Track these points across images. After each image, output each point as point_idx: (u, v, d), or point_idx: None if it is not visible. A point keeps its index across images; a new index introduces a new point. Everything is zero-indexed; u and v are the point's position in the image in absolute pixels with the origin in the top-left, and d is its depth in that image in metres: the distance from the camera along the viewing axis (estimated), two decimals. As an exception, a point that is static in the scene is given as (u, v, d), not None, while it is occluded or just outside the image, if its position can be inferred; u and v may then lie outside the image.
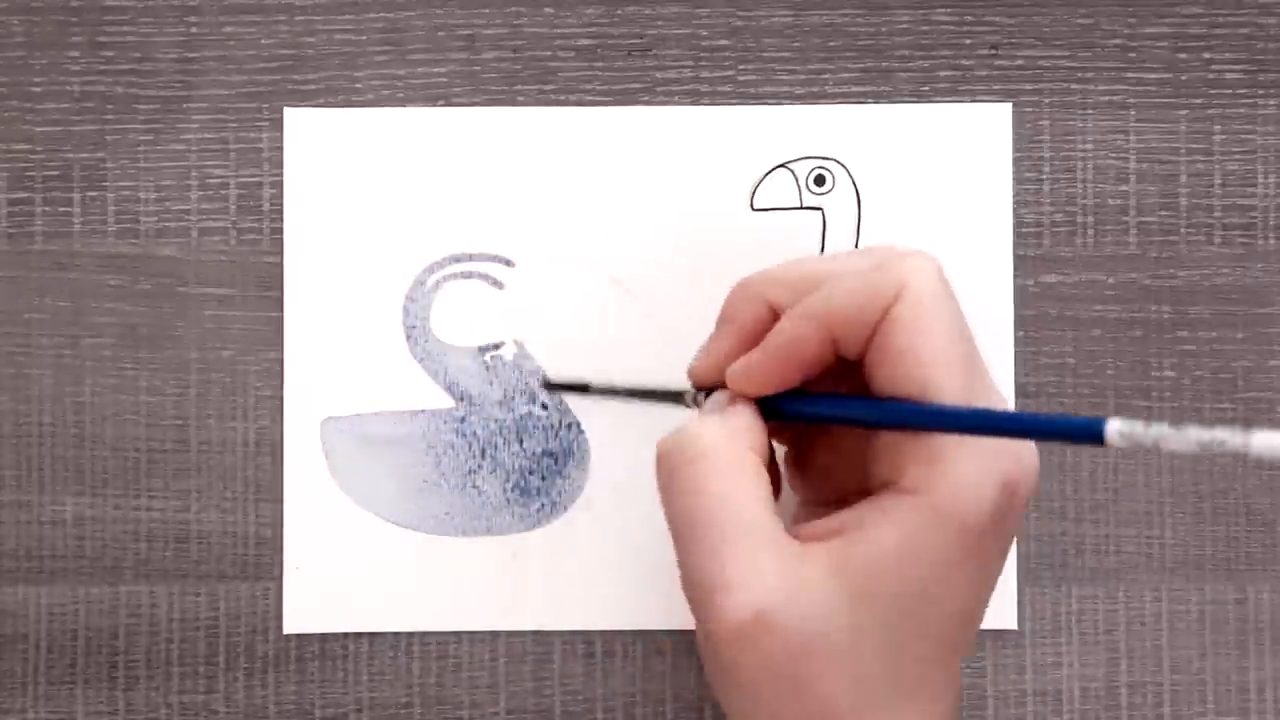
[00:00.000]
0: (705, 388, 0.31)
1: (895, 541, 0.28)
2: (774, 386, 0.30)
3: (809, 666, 0.28)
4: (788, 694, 0.28)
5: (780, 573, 0.28)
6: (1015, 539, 0.37)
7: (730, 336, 0.31)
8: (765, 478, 0.29)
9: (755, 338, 0.30)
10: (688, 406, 0.32)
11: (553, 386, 0.37)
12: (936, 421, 0.28)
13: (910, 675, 0.28)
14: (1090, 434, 0.26)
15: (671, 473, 0.29)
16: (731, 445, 0.29)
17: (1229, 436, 0.25)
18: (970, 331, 0.29)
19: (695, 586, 0.29)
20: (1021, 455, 0.29)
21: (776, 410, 0.30)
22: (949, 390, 0.28)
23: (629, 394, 0.33)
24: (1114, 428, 0.26)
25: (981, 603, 0.30)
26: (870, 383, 0.29)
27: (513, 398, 0.38)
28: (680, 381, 0.32)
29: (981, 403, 0.28)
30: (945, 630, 0.29)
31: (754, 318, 0.31)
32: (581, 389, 0.34)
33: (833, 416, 0.30)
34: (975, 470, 0.28)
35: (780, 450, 0.33)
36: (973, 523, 0.28)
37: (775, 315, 0.30)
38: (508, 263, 0.38)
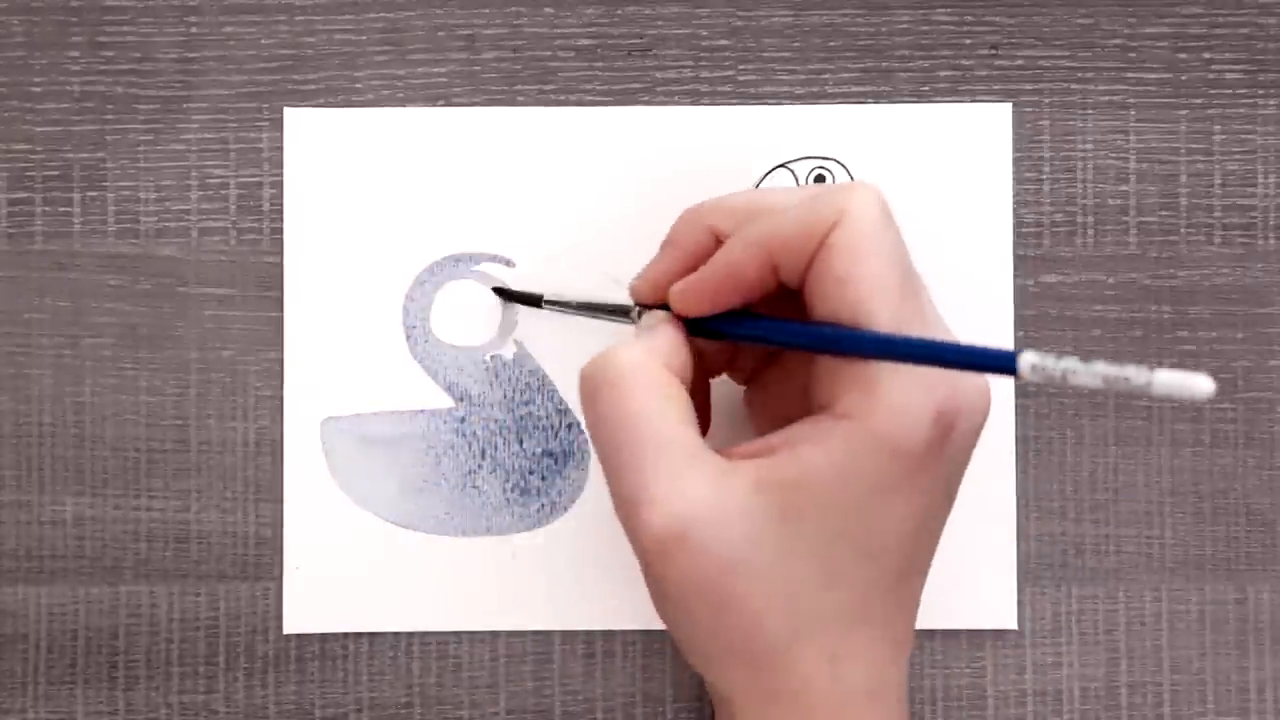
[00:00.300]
0: (645, 305, 0.32)
1: (825, 461, 0.28)
2: (711, 307, 0.30)
3: (735, 583, 0.28)
4: (716, 609, 0.28)
5: (703, 486, 0.28)
6: (1011, 537, 0.37)
7: (671, 258, 0.32)
8: (684, 396, 0.29)
9: (697, 261, 0.31)
10: (633, 322, 0.33)
11: (505, 294, 0.37)
12: (854, 346, 0.28)
13: (852, 601, 0.28)
14: (1003, 365, 0.26)
15: (593, 394, 0.30)
16: (649, 365, 0.29)
17: (1135, 374, 0.25)
18: (910, 262, 0.29)
19: (621, 503, 0.29)
20: (959, 386, 0.29)
21: (716, 331, 0.31)
22: (882, 317, 0.28)
23: (579, 308, 0.36)
24: (1027, 360, 0.26)
25: (927, 535, 0.30)
26: (809, 311, 0.29)
27: (513, 398, 0.38)
28: (628, 299, 0.33)
29: (917, 331, 0.28)
30: (887, 557, 0.29)
31: (696, 242, 0.31)
32: (534, 301, 0.36)
33: (757, 336, 0.31)
34: (908, 398, 0.28)
35: (740, 391, 0.34)
36: (905, 448, 0.28)
37: (718, 242, 0.31)
38: (508, 263, 0.38)
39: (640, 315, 0.33)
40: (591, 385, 0.30)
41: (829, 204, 0.29)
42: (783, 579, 0.28)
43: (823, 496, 0.28)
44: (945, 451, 0.29)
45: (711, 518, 0.28)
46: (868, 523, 0.28)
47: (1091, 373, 0.25)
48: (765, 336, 0.30)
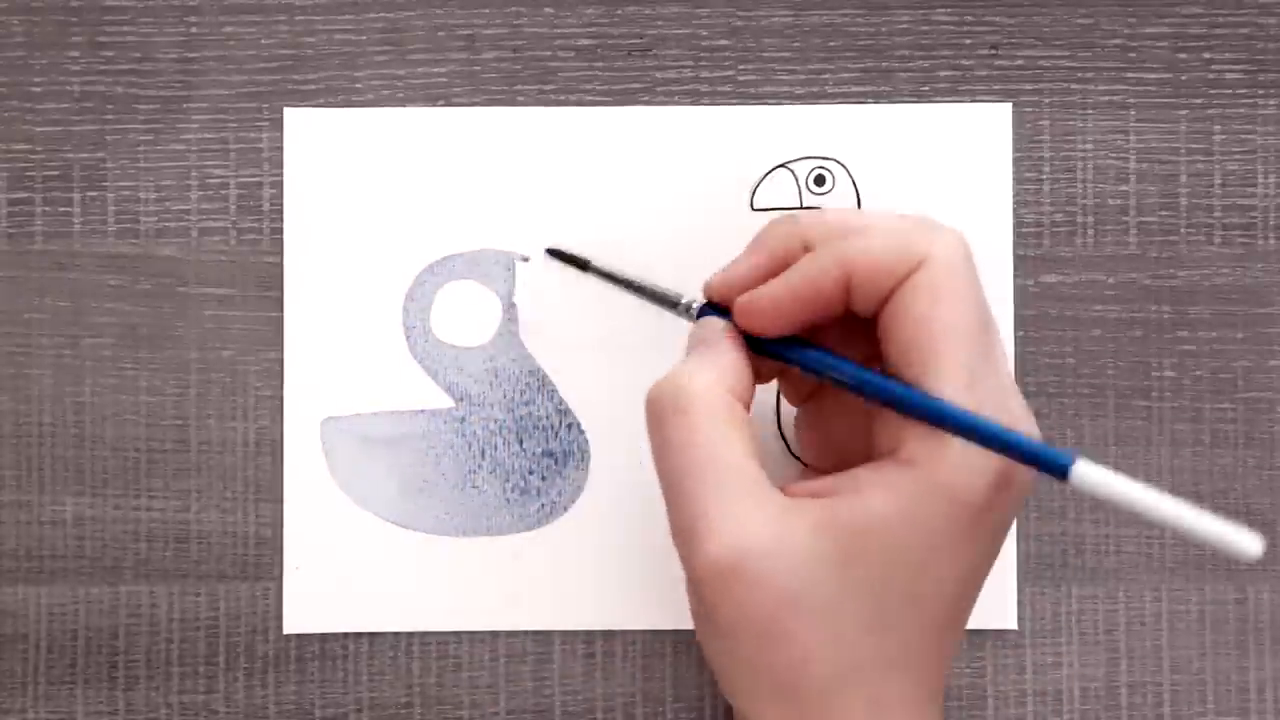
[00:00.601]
0: (716, 304, 0.31)
1: (888, 507, 0.28)
2: (777, 326, 0.30)
3: (787, 619, 0.28)
4: (765, 644, 0.28)
5: (763, 520, 0.28)
6: (1011, 537, 0.37)
7: (754, 262, 0.31)
8: (750, 427, 0.29)
9: (781, 266, 0.30)
10: (679, 315, 0.32)
11: (555, 253, 0.37)
12: (917, 408, 0.28)
13: (895, 647, 0.28)
14: (1055, 468, 0.27)
15: (660, 421, 0.29)
16: (718, 392, 0.29)
17: (1183, 515, 0.25)
18: (988, 311, 0.29)
19: (679, 531, 0.29)
20: None
21: (777, 354, 0.30)
22: (949, 368, 0.28)
23: (626, 284, 0.34)
24: (1079, 471, 0.26)
25: (972, 588, 0.30)
26: (882, 341, 0.29)
27: (513, 398, 0.38)
28: (680, 288, 0.33)
29: (988, 382, 0.28)
30: (934, 607, 0.29)
31: (784, 249, 0.30)
32: (581, 264, 0.35)
33: (821, 370, 0.30)
34: (974, 450, 0.28)
35: (791, 414, 0.33)
36: (967, 499, 0.28)
37: (805, 254, 0.30)
38: (508, 263, 0.38)
39: (696, 311, 0.32)
40: (659, 410, 0.29)
41: (918, 241, 0.28)
42: (834, 620, 0.28)
43: (883, 542, 0.28)
44: (1001, 507, 0.29)
45: (770, 552, 0.28)
46: (922, 571, 0.28)
47: (1144, 501, 0.25)
48: (829, 372, 0.30)
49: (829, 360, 0.30)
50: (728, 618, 0.28)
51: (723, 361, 0.30)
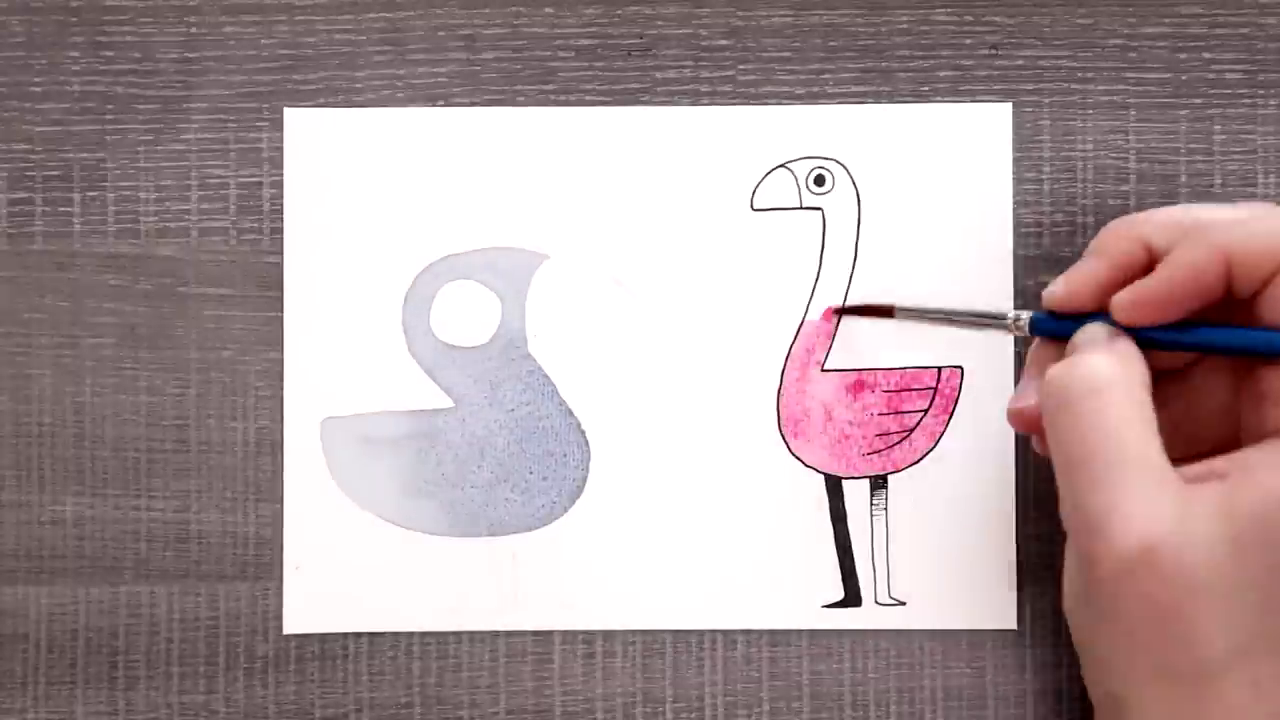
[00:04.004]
0: (1061, 312, 0.32)
1: None
2: (1163, 314, 0.30)
3: (1191, 605, 0.28)
4: (1162, 630, 0.28)
5: (1172, 508, 0.28)
6: (1011, 537, 0.37)
7: (1097, 266, 0.31)
8: (1154, 415, 0.29)
9: (1124, 272, 0.31)
10: (1010, 332, 0.33)
11: (853, 310, 0.37)
12: None
13: (1275, 630, 0.28)
14: None
15: (1066, 403, 0.29)
16: (1130, 378, 0.29)
17: None
18: None
19: (1081, 516, 0.29)
20: None
21: (1158, 342, 0.31)
22: None
23: (939, 317, 0.34)
24: None
25: None
26: (1261, 324, 0.30)
27: (513, 398, 0.38)
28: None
29: None
30: None
31: (1127, 253, 0.31)
32: (886, 312, 0.35)
33: (1218, 345, 0.30)
34: None
35: None
36: None
37: (1148, 255, 0.31)
38: (508, 262, 0.38)
39: (1028, 325, 0.33)
40: (1066, 393, 0.29)
41: None
42: (1228, 605, 0.28)
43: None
44: None
45: (1178, 540, 0.28)
46: None
47: None
48: (1228, 344, 0.30)
49: (1224, 333, 0.30)
50: (1133, 605, 0.28)
51: (1127, 354, 0.30)
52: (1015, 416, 0.32)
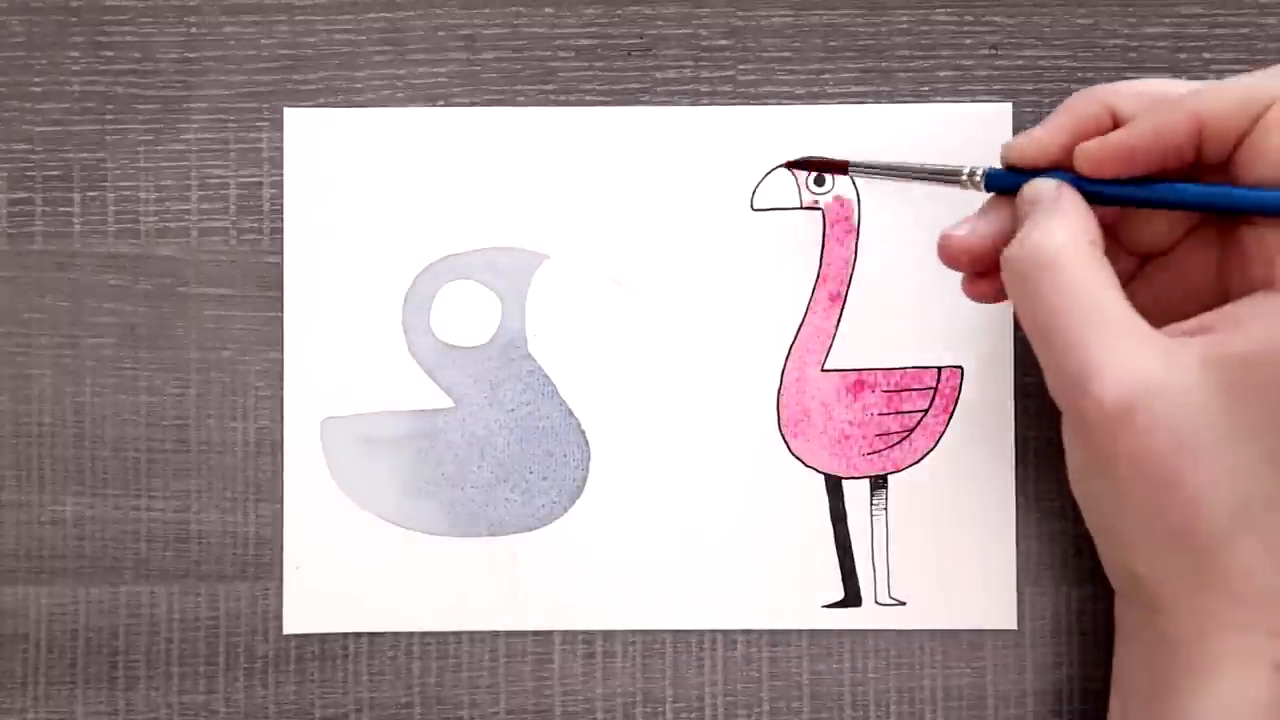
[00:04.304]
0: (1020, 167, 0.32)
1: (1276, 335, 0.27)
2: (1125, 169, 0.30)
3: (1183, 461, 0.27)
4: (1159, 489, 0.28)
5: (1153, 360, 0.28)
6: (1011, 537, 0.37)
7: (1058, 125, 0.31)
8: (1113, 271, 0.29)
9: (1083, 134, 0.31)
10: (965, 187, 0.33)
11: (803, 164, 0.37)
12: None
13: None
14: None
15: (1025, 277, 0.29)
16: (1080, 243, 0.29)
17: None
18: None
19: (1063, 378, 0.29)
20: None
21: (1118, 198, 0.30)
22: None
23: (894, 171, 0.34)
24: None
25: None
26: (1238, 184, 0.29)
27: (513, 398, 0.38)
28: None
29: None
30: None
31: (1094, 116, 0.31)
32: (840, 167, 0.35)
33: (1181, 201, 0.30)
34: None
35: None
36: None
37: (1113, 121, 0.31)
38: (508, 263, 0.38)
39: (980, 178, 0.32)
40: (1021, 269, 0.29)
41: (1265, 85, 0.29)
42: (1228, 459, 0.27)
43: (1273, 373, 0.27)
44: None
45: (1162, 392, 0.27)
46: None
47: None
48: (1193, 199, 0.30)
49: (1190, 188, 0.30)
50: (1124, 462, 0.28)
51: (1073, 214, 0.30)
52: (943, 249, 0.32)
